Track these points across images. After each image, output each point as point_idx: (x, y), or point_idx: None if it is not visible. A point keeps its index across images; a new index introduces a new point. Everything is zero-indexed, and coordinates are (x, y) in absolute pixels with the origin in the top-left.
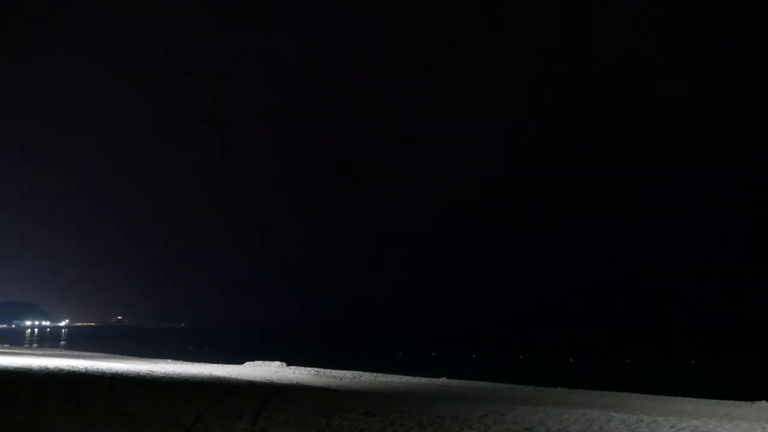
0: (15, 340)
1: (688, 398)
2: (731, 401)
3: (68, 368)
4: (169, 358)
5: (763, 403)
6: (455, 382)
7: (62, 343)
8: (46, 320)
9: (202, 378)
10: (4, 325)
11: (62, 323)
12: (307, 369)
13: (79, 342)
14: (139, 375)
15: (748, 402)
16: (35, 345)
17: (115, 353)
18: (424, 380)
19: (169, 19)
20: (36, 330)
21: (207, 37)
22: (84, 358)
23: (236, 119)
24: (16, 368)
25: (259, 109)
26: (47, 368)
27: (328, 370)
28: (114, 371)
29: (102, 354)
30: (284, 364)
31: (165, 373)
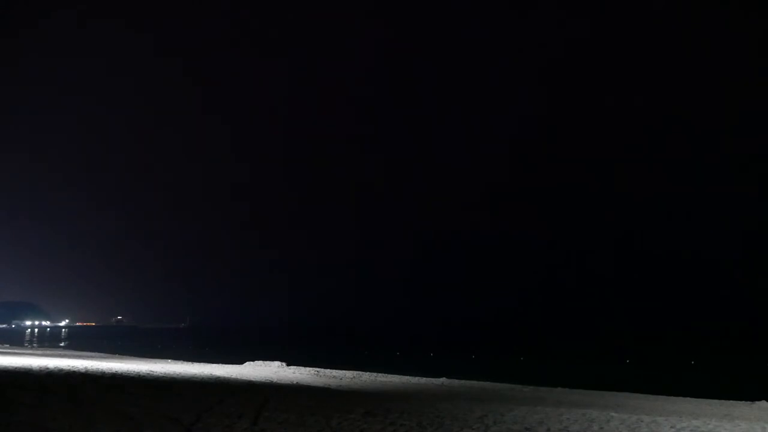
0: (15, 340)
1: (688, 398)
2: (731, 401)
3: (68, 368)
4: (169, 358)
5: (763, 403)
6: (455, 382)
7: (62, 343)
8: (46, 320)
9: (202, 378)
10: (4, 325)
11: (62, 323)
12: (307, 369)
13: (79, 342)
14: (139, 375)
15: (748, 402)
16: (35, 345)
17: (115, 353)
18: (424, 380)
19: (171, 18)
20: (36, 330)
21: (208, 35)
22: (84, 358)
23: (237, 119)
24: (16, 368)
25: (260, 108)
26: (47, 368)
27: (328, 370)
28: (114, 371)
29: (102, 354)
30: (284, 364)
31: (165, 373)
